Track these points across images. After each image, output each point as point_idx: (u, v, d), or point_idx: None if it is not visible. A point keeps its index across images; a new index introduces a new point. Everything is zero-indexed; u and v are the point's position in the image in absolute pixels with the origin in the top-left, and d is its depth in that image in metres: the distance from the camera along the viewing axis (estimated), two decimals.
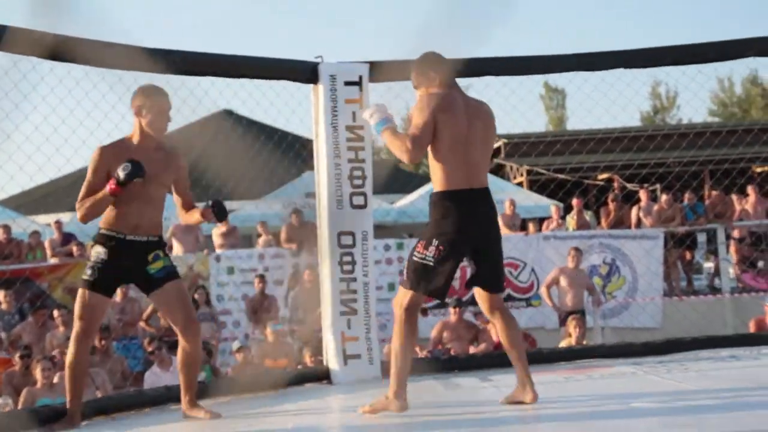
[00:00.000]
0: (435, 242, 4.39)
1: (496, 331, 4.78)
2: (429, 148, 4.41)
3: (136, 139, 4.79)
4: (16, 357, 9.14)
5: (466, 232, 4.41)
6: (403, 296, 4.49)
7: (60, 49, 5.29)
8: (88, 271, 4.72)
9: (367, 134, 6.23)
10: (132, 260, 4.72)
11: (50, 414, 5.00)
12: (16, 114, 6.01)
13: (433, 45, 4.66)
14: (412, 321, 4.48)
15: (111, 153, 4.70)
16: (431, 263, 4.39)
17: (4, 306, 11.12)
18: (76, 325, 4.73)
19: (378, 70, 6.39)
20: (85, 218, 4.69)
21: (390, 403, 4.45)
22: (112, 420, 5.18)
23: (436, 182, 4.46)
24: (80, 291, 4.75)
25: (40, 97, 6.38)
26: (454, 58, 4.83)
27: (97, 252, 4.72)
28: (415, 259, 4.45)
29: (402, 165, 39.64)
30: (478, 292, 4.64)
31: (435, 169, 4.46)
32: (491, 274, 4.61)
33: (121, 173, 4.55)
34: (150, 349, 8.60)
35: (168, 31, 57.13)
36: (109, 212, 4.70)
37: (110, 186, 4.59)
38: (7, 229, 12.95)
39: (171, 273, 4.82)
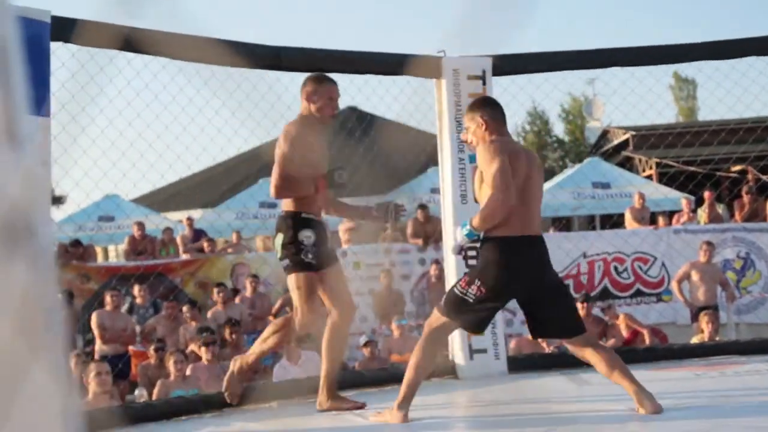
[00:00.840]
0: (478, 282, 4.36)
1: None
2: (489, 192, 4.31)
3: (309, 121, 4.94)
4: (151, 350, 9.42)
5: (516, 280, 4.35)
6: (435, 319, 4.50)
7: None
8: (309, 255, 4.79)
9: None
10: (326, 239, 4.94)
11: (183, 405, 5.14)
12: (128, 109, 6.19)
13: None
14: (435, 343, 4.55)
15: (298, 131, 4.86)
16: (470, 300, 4.37)
17: (138, 300, 11.47)
18: (305, 309, 4.80)
19: (501, 64, 6.35)
20: (282, 196, 4.84)
21: (392, 415, 4.52)
22: (241, 411, 5.29)
23: (497, 227, 4.35)
24: (302, 276, 4.80)
25: (170, 97, 6.55)
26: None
27: (307, 235, 4.79)
28: (455, 291, 4.44)
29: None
30: (565, 341, 4.62)
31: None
32: (561, 322, 4.48)
33: (337, 178, 4.80)
34: None
35: (284, 29, 57.93)
36: (301, 197, 4.83)
37: (319, 185, 4.79)
38: (141, 226, 13.35)
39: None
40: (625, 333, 10.08)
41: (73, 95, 5.59)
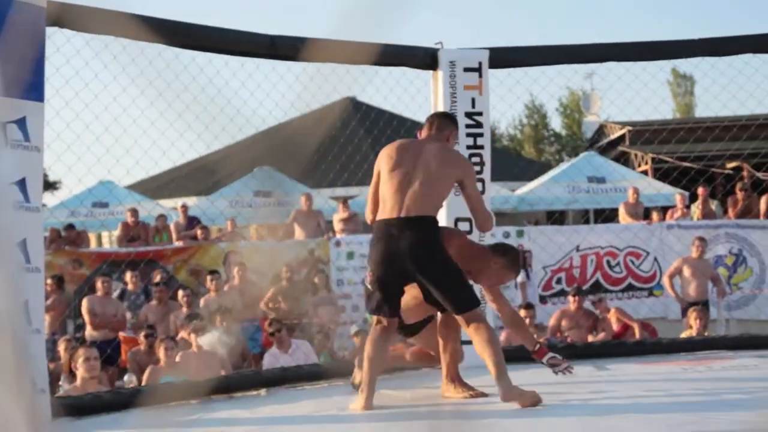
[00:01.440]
0: (368, 269, 4.85)
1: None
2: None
3: None
4: (141, 336, 9.42)
5: (383, 259, 4.73)
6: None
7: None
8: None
9: (486, 120, 6.20)
10: None
11: (172, 391, 5.15)
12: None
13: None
14: (379, 342, 4.84)
15: None
16: (369, 286, 4.86)
17: (130, 286, 11.47)
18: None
19: (498, 57, 6.35)
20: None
21: (357, 405, 4.66)
22: (230, 399, 5.30)
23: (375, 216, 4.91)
24: None
25: (165, 83, 6.53)
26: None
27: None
28: (365, 285, 4.98)
29: (524, 152, 39.40)
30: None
31: (375, 204, 4.94)
32: (443, 297, 4.69)
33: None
34: (270, 330, 8.73)
35: (283, 18, 57.84)
36: None
37: None
38: (134, 212, 13.33)
39: None
40: (615, 326, 10.10)
41: (67, 80, 5.59)
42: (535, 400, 4.41)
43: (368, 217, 4.99)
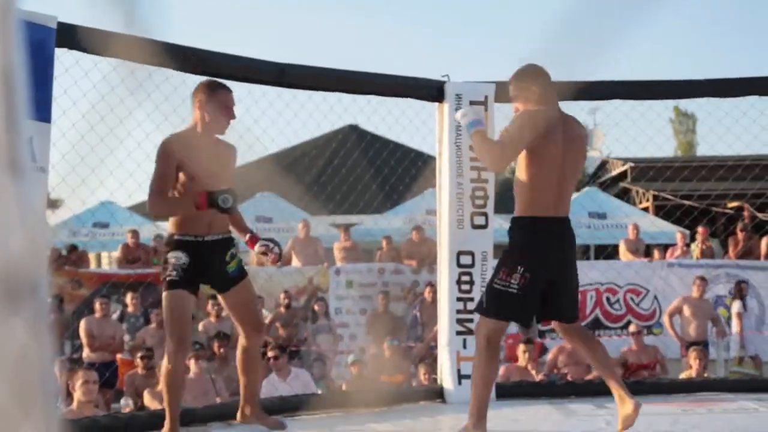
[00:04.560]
0: (520, 269, 4.25)
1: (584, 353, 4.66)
2: (522, 169, 4.29)
3: (198, 132, 4.65)
4: (138, 359, 9.39)
5: (550, 262, 4.30)
6: (483, 325, 4.40)
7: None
8: (173, 273, 4.53)
9: None
10: (213, 260, 4.65)
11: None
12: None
13: (549, 65, 4.57)
14: (493, 349, 4.38)
15: (179, 145, 4.54)
16: (514, 290, 4.26)
17: (130, 308, 11.44)
18: (174, 331, 4.50)
19: (504, 90, 6.35)
20: (159, 215, 4.70)
21: None
22: (229, 426, 5.27)
23: (523, 206, 4.32)
24: (168, 294, 4.53)
25: (171, 108, 6.55)
26: (559, 77, 4.77)
27: (177, 256, 4.54)
28: (496, 287, 4.31)
29: None
30: (557, 324, 4.58)
31: (523, 192, 4.31)
32: (570, 305, 4.47)
33: (221, 203, 4.37)
34: (271, 354, 8.67)
35: (296, 47, 58.07)
36: (181, 217, 4.57)
37: (200, 203, 4.39)
38: (135, 234, 13.33)
39: (243, 271, 4.86)
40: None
41: (74, 102, 5.59)
42: None
43: (492, 163, 4.27)
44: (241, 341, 4.84)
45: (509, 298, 4.27)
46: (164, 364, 4.55)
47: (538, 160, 4.24)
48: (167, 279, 4.52)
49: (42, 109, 4.59)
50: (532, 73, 4.48)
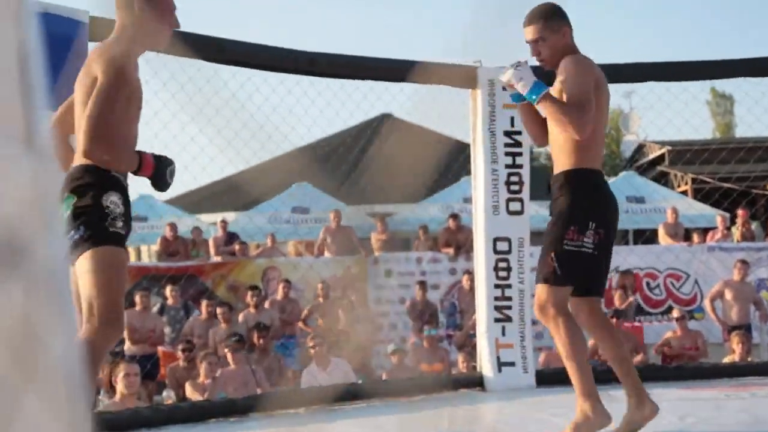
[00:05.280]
0: (592, 225, 3.75)
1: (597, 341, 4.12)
2: None
3: (134, 44, 3.50)
4: (179, 351, 9.43)
5: (613, 219, 3.87)
6: (552, 295, 3.80)
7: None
8: (118, 224, 3.41)
9: (525, 139, 6.16)
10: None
11: (210, 408, 5.14)
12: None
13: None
14: (569, 316, 3.82)
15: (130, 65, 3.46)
16: (590, 249, 3.74)
17: (170, 301, 11.50)
18: (110, 301, 3.35)
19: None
20: (98, 153, 3.34)
21: (594, 420, 3.80)
22: (269, 417, 5.28)
23: (577, 158, 3.84)
24: (111, 251, 3.37)
25: (205, 99, 6.57)
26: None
27: (114, 201, 3.41)
28: (567, 248, 3.76)
29: None
30: (579, 299, 3.96)
31: (579, 145, 3.81)
32: (606, 276, 4.01)
33: (169, 177, 3.58)
34: (311, 344, 8.66)
35: (318, 35, 58.13)
36: (110, 150, 3.38)
37: (144, 167, 3.49)
38: (173, 227, 13.40)
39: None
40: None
41: None
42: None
43: (581, 128, 3.71)
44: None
45: (585, 259, 3.75)
46: (86, 333, 3.29)
47: (596, 112, 3.81)
48: (110, 230, 3.37)
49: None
50: (560, 12, 3.98)
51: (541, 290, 3.86)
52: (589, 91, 3.76)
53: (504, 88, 4.22)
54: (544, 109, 3.85)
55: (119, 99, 3.33)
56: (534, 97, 3.81)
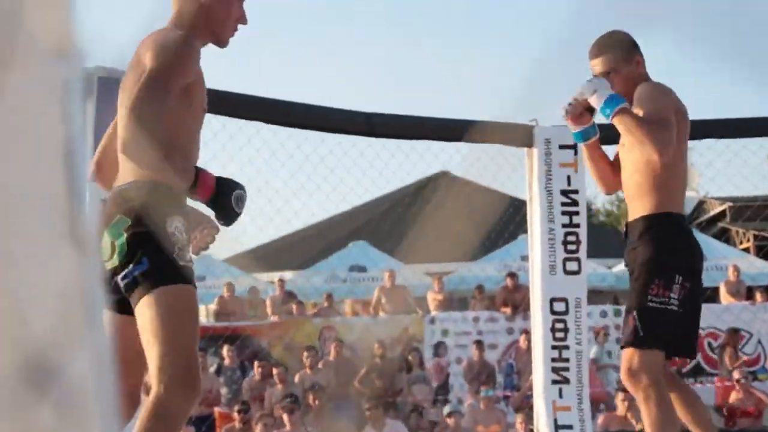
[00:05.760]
0: (678, 278, 3.39)
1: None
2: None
3: (196, 39, 2.85)
4: (235, 412, 9.42)
5: (699, 269, 3.51)
6: (643, 360, 3.42)
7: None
8: (187, 255, 2.73)
9: (582, 198, 6.12)
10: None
11: None
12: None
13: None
14: (662, 386, 3.42)
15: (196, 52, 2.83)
16: (675, 306, 3.39)
17: (227, 361, 11.52)
18: (184, 350, 2.66)
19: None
20: (129, 145, 2.63)
21: None
22: None
23: (661, 199, 3.52)
24: (180, 289, 2.67)
25: (263, 160, 6.65)
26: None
27: (178, 228, 2.70)
28: (652, 305, 3.40)
29: (621, 228, 38.83)
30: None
31: (660, 183, 3.51)
32: (697, 329, 3.61)
33: (235, 205, 2.79)
34: (367, 406, 8.61)
35: (374, 95, 58.55)
36: (172, 160, 2.67)
37: (202, 188, 2.74)
38: (230, 286, 13.47)
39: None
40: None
41: None
42: None
43: (662, 143, 3.39)
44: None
45: (671, 318, 3.40)
46: (156, 397, 2.61)
47: (676, 144, 3.47)
48: (179, 264, 2.68)
49: None
50: (631, 40, 3.71)
51: (629, 355, 3.49)
52: (669, 110, 3.48)
53: (564, 119, 3.87)
54: (619, 125, 3.53)
55: (173, 91, 2.68)
56: (609, 111, 3.51)
